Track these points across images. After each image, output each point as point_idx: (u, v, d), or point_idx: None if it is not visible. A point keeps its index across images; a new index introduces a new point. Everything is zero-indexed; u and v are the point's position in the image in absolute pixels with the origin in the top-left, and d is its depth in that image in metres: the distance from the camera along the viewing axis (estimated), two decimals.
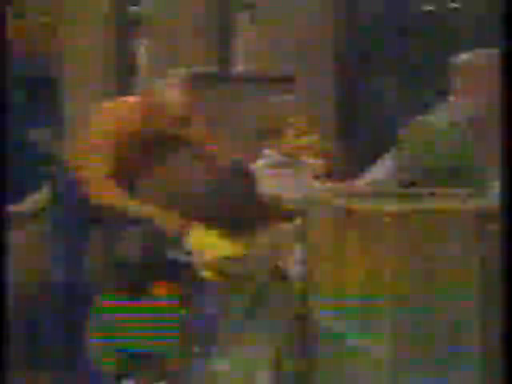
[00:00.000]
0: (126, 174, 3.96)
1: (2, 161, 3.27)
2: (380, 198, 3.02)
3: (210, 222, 3.79)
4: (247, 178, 3.86)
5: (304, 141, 3.89)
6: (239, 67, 7.08)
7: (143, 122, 3.87)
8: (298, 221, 3.56)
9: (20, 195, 5.31)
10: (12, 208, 4.27)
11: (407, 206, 2.80)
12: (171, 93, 3.78)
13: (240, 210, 3.74)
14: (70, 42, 8.77)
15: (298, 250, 3.50)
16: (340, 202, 2.98)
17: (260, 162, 3.94)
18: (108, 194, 3.89)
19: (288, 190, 3.91)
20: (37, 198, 4.86)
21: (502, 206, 2.58)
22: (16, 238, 4.12)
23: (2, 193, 3.31)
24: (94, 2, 8.36)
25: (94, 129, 4.05)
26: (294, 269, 3.50)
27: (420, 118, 3.85)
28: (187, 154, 4.27)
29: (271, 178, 3.93)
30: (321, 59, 6.23)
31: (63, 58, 8.97)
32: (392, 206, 2.75)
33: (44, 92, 10.38)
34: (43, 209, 4.60)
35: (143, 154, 3.95)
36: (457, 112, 4.21)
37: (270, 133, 3.93)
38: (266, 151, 3.88)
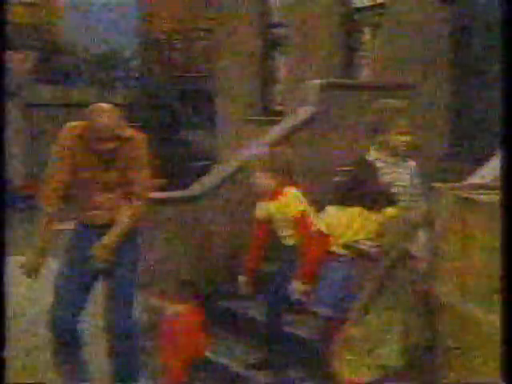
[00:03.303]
0: (77, 183, 4.20)
1: (2, 162, 3.25)
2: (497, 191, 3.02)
3: (341, 203, 4.07)
4: (370, 168, 4.19)
5: (404, 139, 4.21)
6: (364, 77, 7.41)
7: (78, 141, 4.17)
8: (424, 208, 3.77)
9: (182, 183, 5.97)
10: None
11: None
12: (100, 118, 4.07)
13: (366, 194, 4.02)
14: (222, 62, 9.49)
15: (423, 234, 3.61)
16: (462, 193, 3.10)
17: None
18: (43, 197, 4.19)
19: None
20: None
21: (503, 202, 2.55)
22: None
23: (2, 192, 3.34)
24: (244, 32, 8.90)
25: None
26: (420, 250, 3.60)
27: None
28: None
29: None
30: (437, 69, 6.43)
31: (217, 75, 9.79)
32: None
33: (202, 102, 11.27)
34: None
35: (90, 165, 4.19)
36: None
37: (377, 131, 4.25)
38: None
